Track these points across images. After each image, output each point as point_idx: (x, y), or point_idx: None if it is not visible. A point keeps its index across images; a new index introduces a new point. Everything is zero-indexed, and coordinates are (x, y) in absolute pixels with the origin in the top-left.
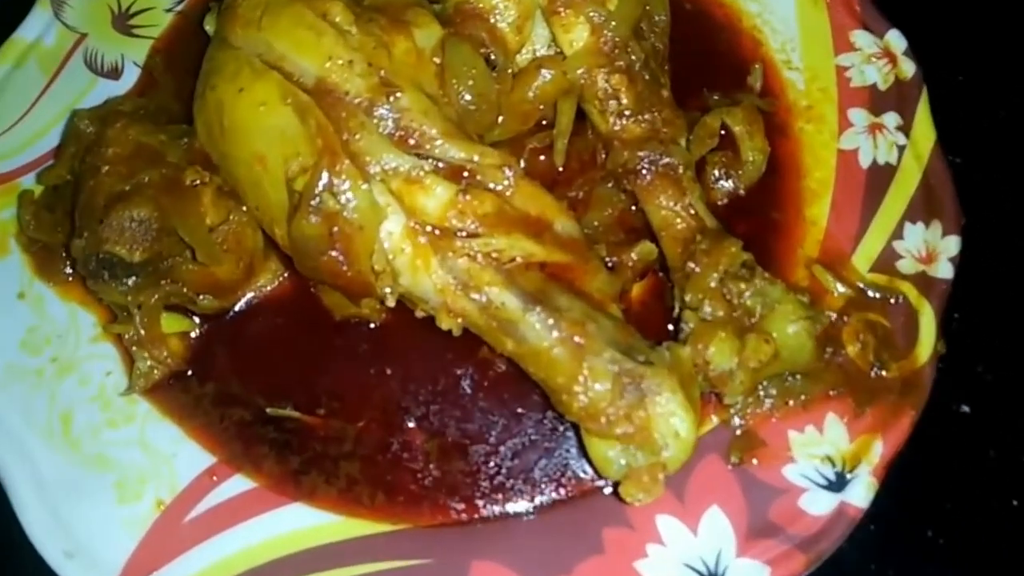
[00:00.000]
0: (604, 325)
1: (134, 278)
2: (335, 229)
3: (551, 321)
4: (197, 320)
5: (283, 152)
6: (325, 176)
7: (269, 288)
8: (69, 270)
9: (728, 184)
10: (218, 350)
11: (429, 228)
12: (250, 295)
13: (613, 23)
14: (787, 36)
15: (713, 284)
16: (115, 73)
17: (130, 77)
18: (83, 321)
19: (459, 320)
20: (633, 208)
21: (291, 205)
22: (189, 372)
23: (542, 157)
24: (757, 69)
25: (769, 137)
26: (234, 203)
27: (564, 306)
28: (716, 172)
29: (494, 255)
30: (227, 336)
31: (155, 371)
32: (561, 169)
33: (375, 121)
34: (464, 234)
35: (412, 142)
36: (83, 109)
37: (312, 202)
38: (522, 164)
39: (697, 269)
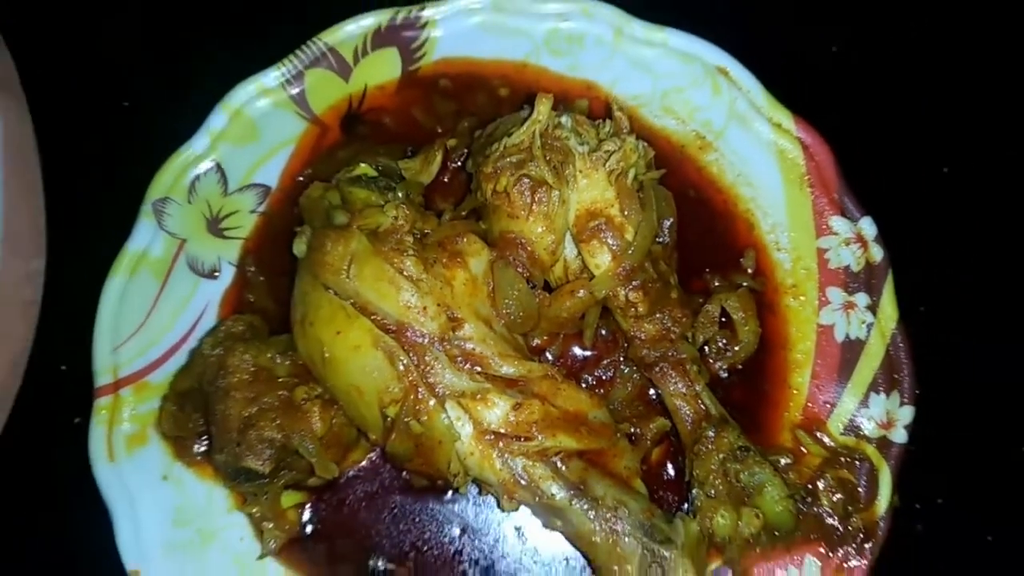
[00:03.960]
0: (632, 508)
1: (263, 479)
2: (420, 445)
3: (592, 511)
4: (308, 493)
5: (376, 386)
6: (411, 406)
7: (362, 463)
8: (198, 449)
9: (727, 360)
10: (325, 516)
11: (491, 436)
12: (348, 471)
13: (630, 251)
14: (776, 220)
15: (715, 466)
16: (214, 273)
17: (227, 276)
18: (217, 496)
19: (517, 503)
20: (652, 389)
21: (384, 426)
22: (305, 535)
23: (575, 347)
24: (750, 254)
25: (759, 313)
26: (335, 409)
27: (600, 494)
28: (717, 348)
29: (544, 452)
30: (332, 505)
31: (279, 538)
32: (588, 354)
33: (446, 352)
34: (520, 438)
35: (476, 367)
36: (207, 337)
37: (401, 426)
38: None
39: (703, 451)
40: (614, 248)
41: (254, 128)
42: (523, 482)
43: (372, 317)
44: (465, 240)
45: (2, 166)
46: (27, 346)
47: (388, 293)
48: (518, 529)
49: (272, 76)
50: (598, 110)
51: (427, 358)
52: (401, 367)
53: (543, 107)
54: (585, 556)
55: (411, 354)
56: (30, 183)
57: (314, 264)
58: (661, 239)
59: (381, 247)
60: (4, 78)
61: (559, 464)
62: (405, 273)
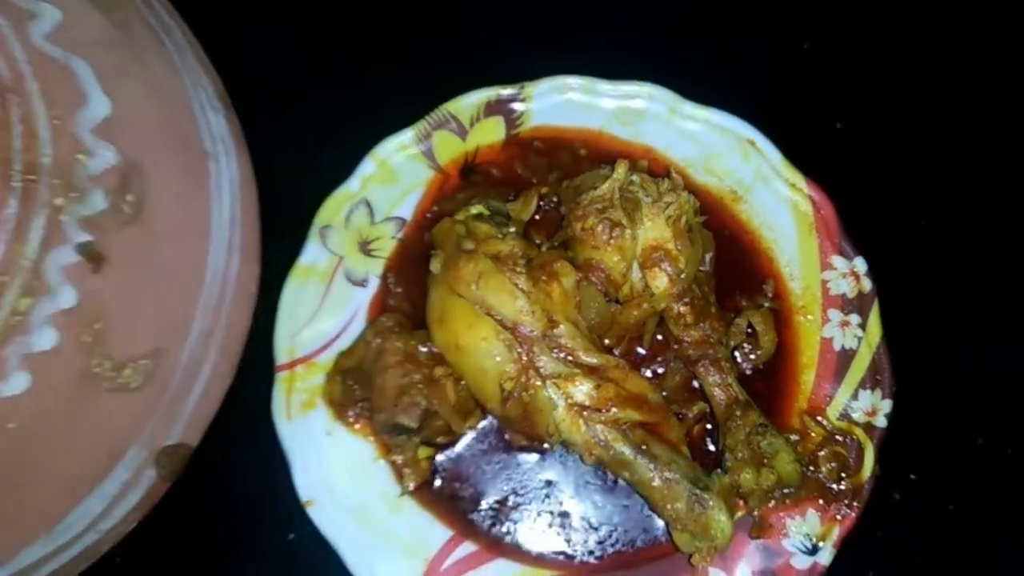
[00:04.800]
0: (681, 464)
1: (410, 434)
2: (527, 411)
3: (651, 464)
4: (436, 449)
5: (497, 368)
6: (522, 383)
7: (476, 428)
8: (353, 413)
9: (752, 361)
10: (448, 467)
11: (578, 408)
12: (466, 433)
13: (682, 276)
14: (790, 256)
15: (742, 437)
16: (363, 284)
17: (373, 285)
18: (366, 448)
19: (595, 459)
20: (694, 380)
21: (502, 397)
22: (433, 480)
23: (637, 347)
24: (770, 282)
25: (777, 328)
26: (461, 385)
27: (658, 453)
28: (744, 352)
29: (616, 421)
30: (452, 458)
31: (415, 481)
32: (646, 352)
33: (547, 345)
34: (600, 411)
35: (568, 356)
36: (368, 329)
37: (515, 397)
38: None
39: (733, 426)
40: (670, 273)
41: (394, 174)
42: (601, 443)
43: (494, 318)
44: (559, 264)
45: (241, 199)
46: (248, 330)
47: (506, 301)
48: (590, 483)
49: (408, 135)
50: (656, 169)
51: (534, 349)
52: (516, 354)
53: (621, 170)
54: (644, 498)
55: (523, 345)
56: (253, 210)
57: (449, 278)
58: (704, 268)
59: (502, 267)
60: (237, 134)
61: (627, 431)
62: (519, 287)
